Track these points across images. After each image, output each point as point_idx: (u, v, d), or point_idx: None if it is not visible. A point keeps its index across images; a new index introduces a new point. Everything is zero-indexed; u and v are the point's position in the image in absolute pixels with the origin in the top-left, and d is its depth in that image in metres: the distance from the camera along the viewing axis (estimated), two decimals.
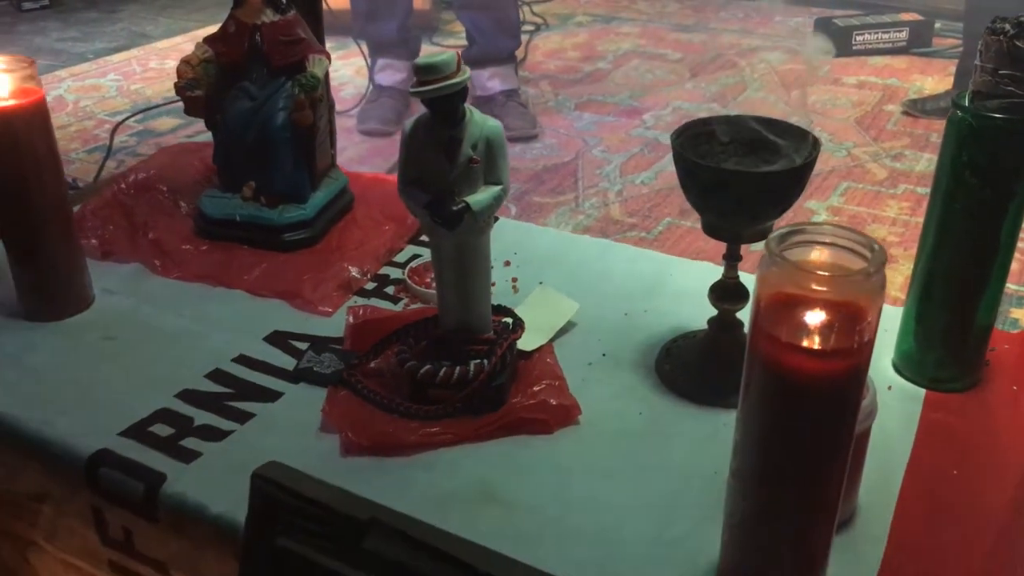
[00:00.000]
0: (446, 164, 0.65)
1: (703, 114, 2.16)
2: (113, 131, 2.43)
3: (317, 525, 0.54)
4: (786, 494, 0.51)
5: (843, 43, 2.99)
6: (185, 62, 0.92)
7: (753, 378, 0.49)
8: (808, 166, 0.63)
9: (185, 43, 3.25)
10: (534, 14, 3.52)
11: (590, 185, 2.22)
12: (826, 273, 0.45)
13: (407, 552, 0.52)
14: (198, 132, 2.41)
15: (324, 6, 1.07)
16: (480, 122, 0.66)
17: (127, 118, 2.54)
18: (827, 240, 0.47)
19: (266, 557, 0.56)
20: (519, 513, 0.60)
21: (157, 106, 2.67)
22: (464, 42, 2.52)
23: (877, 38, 3.01)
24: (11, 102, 0.75)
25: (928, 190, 0.70)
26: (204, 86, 0.93)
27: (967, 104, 0.64)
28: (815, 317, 0.46)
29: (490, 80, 2.47)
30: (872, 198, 2.04)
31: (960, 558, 0.57)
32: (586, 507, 0.61)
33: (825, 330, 0.46)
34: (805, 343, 0.46)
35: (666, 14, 3.58)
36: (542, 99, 2.74)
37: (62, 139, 2.45)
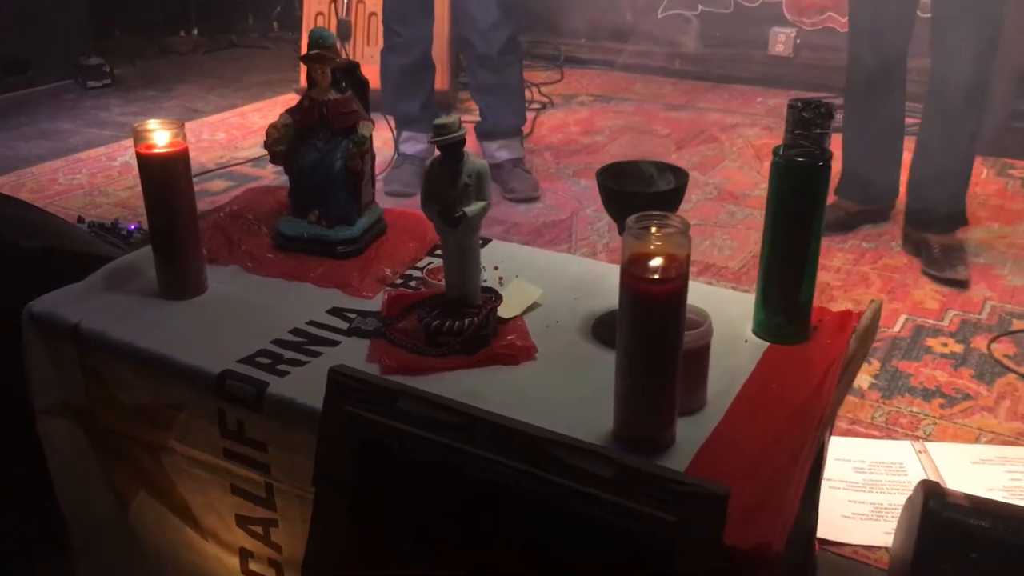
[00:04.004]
0: (451, 187, 1.03)
1: None
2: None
3: (367, 396, 0.90)
4: (644, 371, 0.87)
5: None
6: (272, 126, 1.31)
7: (623, 302, 0.85)
8: (680, 188, 1.01)
9: (232, 118, 3.70)
10: (542, 94, 3.94)
11: (582, 238, 2.60)
12: (657, 234, 0.82)
13: (426, 408, 0.88)
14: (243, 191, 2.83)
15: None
16: (473, 160, 1.04)
17: None
18: (657, 221, 0.84)
19: (337, 419, 0.92)
20: (494, 405, 0.96)
21: (210, 171, 3.11)
22: (478, 118, 2.93)
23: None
24: (168, 149, 1.14)
25: None
26: (284, 143, 1.32)
27: (781, 153, 1.02)
28: (653, 261, 0.83)
29: (499, 150, 2.87)
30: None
31: (761, 435, 0.92)
32: (535, 401, 0.97)
33: (658, 268, 0.82)
34: (648, 276, 0.83)
35: (660, 95, 4.01)
36: (544, 167, 3.14)
37: (131, 197, 2.88)
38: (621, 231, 1.01)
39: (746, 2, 3.98)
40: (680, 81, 4.16)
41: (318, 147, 1.31)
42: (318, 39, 1.27)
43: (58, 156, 3.25)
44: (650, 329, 0.85)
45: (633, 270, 0.84)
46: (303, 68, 3.63)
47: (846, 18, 2.43)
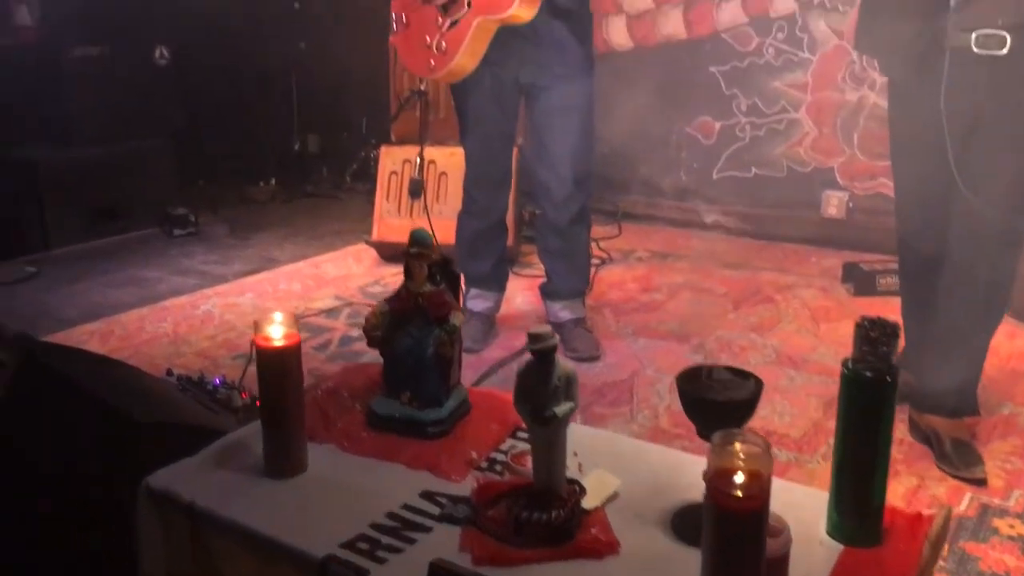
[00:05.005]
0: (543, 389, 1.12)
1: (743, 343, 2.73)
2: (252, 342, 3.00)
3: None
4: None
5: (868, 284, 3.47)
6: (372, 313, 1.44)
7: (707, 513, 0.92)
8: (756, 397, 1.09)
9: (306, 268, 3.90)
10: (600, 249, 4.08)
11: (643, 399, 2.67)
12: (740, 455, 0.90)
13: None
14: (322, 345, 2.97)
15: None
16: (562, 365, 1.14)
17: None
18: (741, 439, 0.92)
19: None
20: None
21: None
22: (538, 272, 3.05)
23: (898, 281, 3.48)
24: (283, 343, 1.26)
25: None
26: (381, 329, 1.44)
27: (850, 367, 1.10)
28: (737, 478, 0.90)
29: (562, 311, 2.98)
30: None
31: None
32: None
33: (742, 485, 0.90)
34: (732, 492, 0.90)
35: (715, 253, 4.12)
36: (604, 324, 3.24)
37: (211, 347, 3.03)
38: (699, 433, 1.09)
39: (798, 166, 4.14)
40: (735, 238, 4.29)
41: (412, 334, 1.43)
42: (418, 239, 1.41)
43: (144, 303, 3.44)
44: (733, 541, 0.92)
45: (718, 484, 0.91)
46: (377, 220, 3.85)
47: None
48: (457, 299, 1.48)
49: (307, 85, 5.28)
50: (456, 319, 1.43)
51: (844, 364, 1.11)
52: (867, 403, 1.08)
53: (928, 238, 2.28)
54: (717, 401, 1.08)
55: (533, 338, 1.11)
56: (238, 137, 5.18)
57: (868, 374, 1.08)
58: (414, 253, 1.41)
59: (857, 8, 2.32)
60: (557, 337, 1.13)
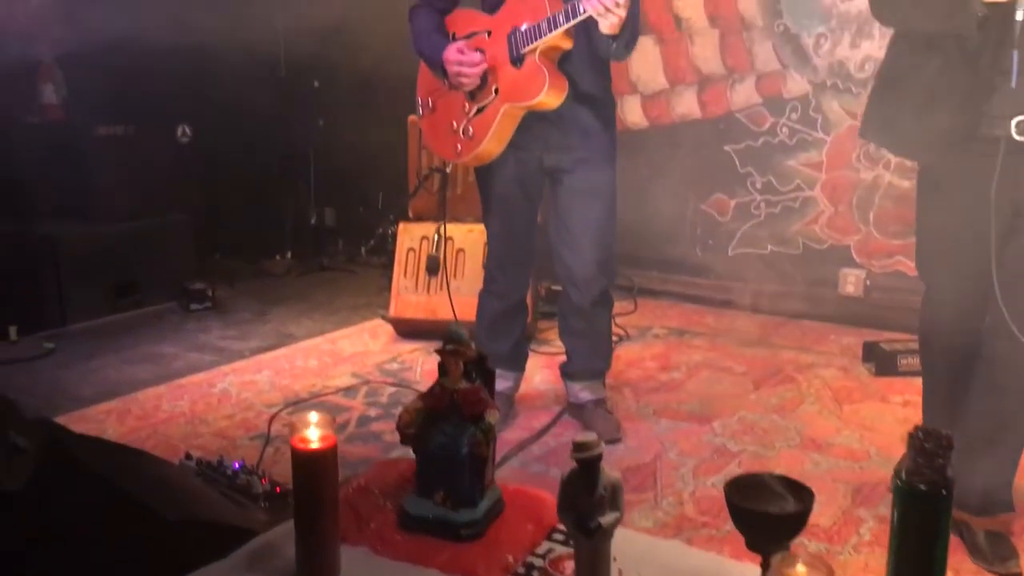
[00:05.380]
0: (587, 498, 1.10)
1: (766, 425, 2.68)
2: (270, 422, 2.98)
3: None
4: None
5: (889, 364, 3.43)
6: (406, 411, 1.42)
7: None
8: (807, 510, 1.06)
9: (323, 344, 3.89)
10: (617, 326, 4.06)
11: (667, 485, 2.62)
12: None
13: None
14: (341, 426, 2.94)
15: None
16: (607, 473, 1.12)
17: (280, 410, 3.10)
18: (802, 562, 0.89)
19: None
20: None
21: (304, 400, 3.24)
22: (556, 349, 3.03)
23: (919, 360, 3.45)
24: (319, 445, 1.24)
25: None
26: (415, 426, 1.42)
27: (903, 478, 1.08)
28: None
29: (582, 391, 2.96)
30: None
31: None
32: None
33: None
34: None
35: (733, 330, 4.10)
36: (624, 405, 3.21)
37: (228, 427, 3.01)
38: (748, 545, 1.07)
39: (815, 244, 4.15)
40: (752, 315, 4.27)
41: (447, 431, 1.41)
42: (453, 336, 1.40)
43: (161, 381, 3.43)
44: None
45: None
46: (394, 297, 3.86)
47: (915, 262, 2.32)
48: (492, 396, 1.46)
49: (325, 160, 5.35)
50: (492, 417, 1.41)
51: (897, 475, 1.08)
52: (922, 517, 1.06)
53: (960, 335, 2.18)
54: (769, 514, 1.06)
55: (579, 447, 1.09)
56: (256, 210, 5.23)
57: (923, 487, 1.05)
58: (450, 350, 1.40)
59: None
60: (603, 446, 1.11)
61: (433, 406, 1.42)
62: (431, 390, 1.44)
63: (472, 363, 1.43)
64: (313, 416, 1.28)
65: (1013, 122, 1.91)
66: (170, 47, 4.31)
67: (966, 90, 1.94)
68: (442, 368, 1.43)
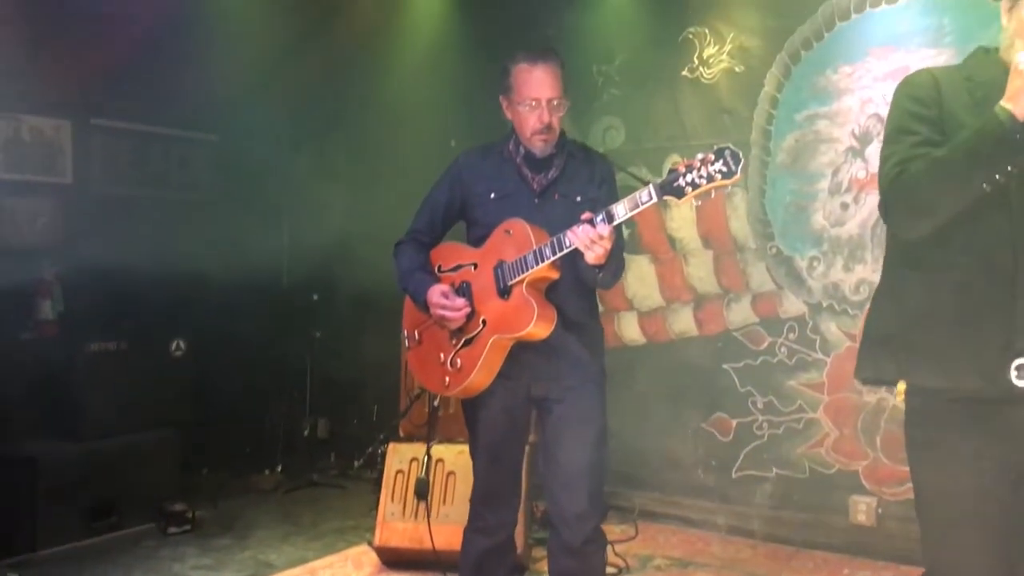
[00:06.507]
0: None
1: None
2: None
3: None
4: None
5: None
6: None
7: None
8: None
9: (303, 575, 3.66)
10: (616, 555, 3.82)
11: None
12: None
13: None
14: None
15: None
16: None
17: None
18: None
19: None
20: None
21: None
22: None
23: None
24: None
25: None
26: None
27: None
28: None
29: None
30: None
31: None
32: None
33: None
34: None
35: (740, 560, 3.86)
36: None
37: None
38: None
39: (822, 468, 3.98)
40: (759, 544, 4.03)
41: None
42: None
43: None
44: None
45: None
46: (379, 524, 3.66)
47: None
48: None
49: (320, 372, 5.30)
50: None
51: None
52: None
53: None
54: None
55: None
56: (248, 424, 5.13)
57: None
58: None
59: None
60: None
61: None
62: None
63: None
64: None
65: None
66: (173, 261, 4.37)
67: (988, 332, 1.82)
68: None
